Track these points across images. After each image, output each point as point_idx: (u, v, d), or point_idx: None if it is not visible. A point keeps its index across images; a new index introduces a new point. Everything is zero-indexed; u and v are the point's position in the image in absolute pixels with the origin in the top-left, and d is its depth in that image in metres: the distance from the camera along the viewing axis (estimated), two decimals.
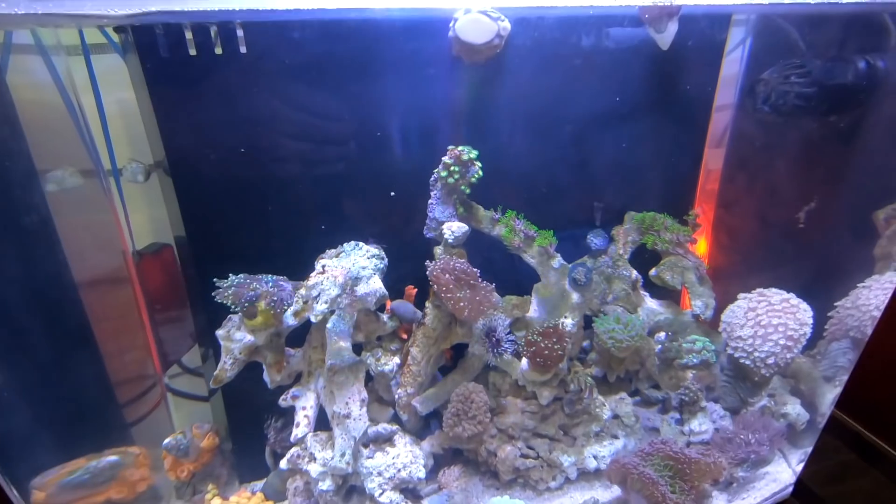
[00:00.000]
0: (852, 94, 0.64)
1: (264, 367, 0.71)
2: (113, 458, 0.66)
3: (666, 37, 0.54)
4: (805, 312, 0.75)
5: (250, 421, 0.79)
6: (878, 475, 1.02)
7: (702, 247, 0.90)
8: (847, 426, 1.11)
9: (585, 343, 0.80)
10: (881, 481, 0.95)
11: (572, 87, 0.71)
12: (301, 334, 0.73)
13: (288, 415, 0.78)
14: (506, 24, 0.56)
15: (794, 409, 0.79)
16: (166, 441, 0.73)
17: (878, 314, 0.75)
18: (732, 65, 0.84)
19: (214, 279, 0.63)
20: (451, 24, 0.57)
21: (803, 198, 0.78)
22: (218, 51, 0.60)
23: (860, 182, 0.76)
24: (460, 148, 0.67)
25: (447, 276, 0.64)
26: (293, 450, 0.71)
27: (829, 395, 0.81)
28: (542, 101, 0.71)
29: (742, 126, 0.83)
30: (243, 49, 0.60)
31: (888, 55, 0.63)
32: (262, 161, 0.67)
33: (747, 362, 0.76)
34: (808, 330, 0.75)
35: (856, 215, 0.78)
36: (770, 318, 0.74)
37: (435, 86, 0.67)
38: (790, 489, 0.81)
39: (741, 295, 0.80)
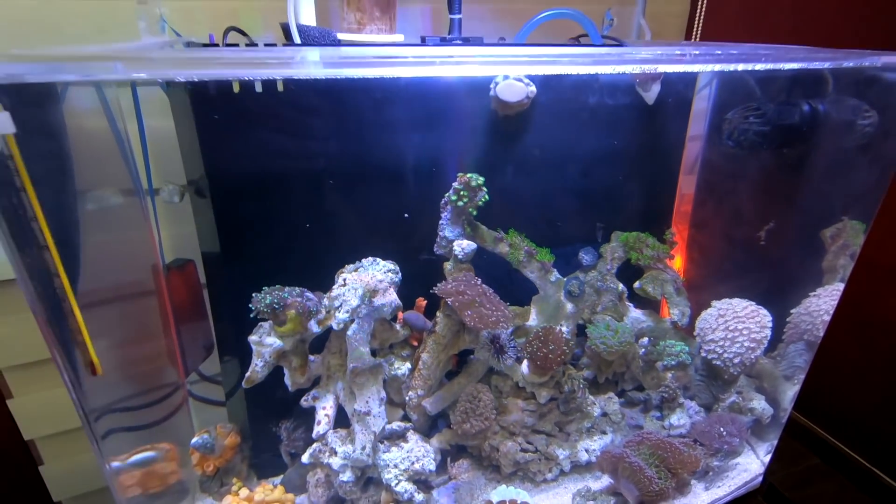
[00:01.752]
0: (799, 132, 0.76)
1: (286, 371, 0.78)
2: (152, 453, 0.71)
3: (651, 95, 0.66)
4: (765, 317, 0.86)
5: (268, 422, 0.85)
6: (843, 479, 1.14)
7: (678, 262, 1.01)
8: (813, 432, 1.23)
9: (577, 350, 0.89)
10: (846, 485, 1.05)
11: (576, 132, 0.85)
12: (315, 344, 0.80)
13: (299, 417, 0.85)
14: (532, 88, 0.72)
15: (759, 404, 0.89)
16: (194, 440, 0.78)
17: (827, 318, 0.86)
18: (701, 101, 0.96)
19: (253, 293, 0.70)
20: (491, 86, 0.72)
21: (763, 219, 0.90)
22: (258, 88, 0.68)
23: (809, 205, 0.88)
24: (469, 175, 0.76)
25: (465, 291, 0.73)
26: (314, 445, 0.77)
27: (790, 393, 0.91)
28: (551, 142, 0.84)
29: (710, 156, 0.95)
30: (280, 87, 0.68)
31: (827, 100, 0.75)
32: (291, 187, 0.74)
33: (718, 363, 0.86)
34: (768, 333, 0.86)
35: (806, 234, 0.90)
36: (736, 323, 0.85)
37: (468, 130, 0.79)
38: (759, 479, 0.91)
39: (713, 303, 0.90)
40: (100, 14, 0.88)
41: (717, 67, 0.50)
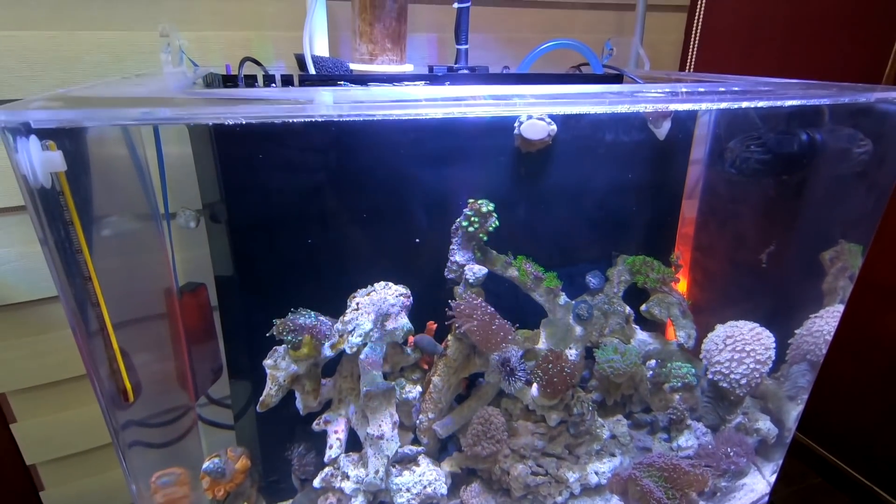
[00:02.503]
0: (798, 160, 0.79)
1: (298, 394, 0.78)
2: (165, 478, 0.71)
3: (662, 131, 0.69)
4: (769, 339, 0.88)
5: (278, 445, 0.85)
6: (844, 497, 1.14)
7: (682, 284, 1.03)
8: (814, 451, 1.24)
9: (586, 372, 0.90)
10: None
11: (591, 164, 0.88)
12: (325, 367, 0.80)
13: (309, 441, 0.85)
14: (553, 127, 0.76)
15: (764, 424, 0.90)
16: (206, 465, 0.77)
17: (829, 338, 0.88)
18: (701, 127, 0.99)
19: (273, 318, 0.71)
20: (516, 125, 0.76)
21: (764, 242, 0.92)
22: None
23: (808, 229, 0.91)
24: (480, 201, 0.78)
25: (475, 314, 0.74)
26: (326, 469, 0.77)
27: (794, 413, 0.93)
28: (568, 175, 0.87)
29: (712, 181, 0.98)
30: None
31: (823, 130, 0.78)
32: (305, 213, 0.76)
33: (725, 384, 0.87)
34: (772, 354, 0.88)
35: (806, 256, 0.92)
36: (742, 345, 0.86)
37: (490, 165, 0.82)
38: (766, 499, 0.92)
39: (718, 326, 0.92)
40: (118, 44, 0.90)
41: (723, 105, 0.52)
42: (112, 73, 0.92)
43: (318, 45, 0.90)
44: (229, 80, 0.75)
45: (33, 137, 0.34)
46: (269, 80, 0.78)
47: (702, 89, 0.53)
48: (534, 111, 0.68)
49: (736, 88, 0.56)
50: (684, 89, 0.53)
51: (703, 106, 0.71)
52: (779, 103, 0.55)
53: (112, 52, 0.91)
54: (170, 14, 0.94)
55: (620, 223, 0.93)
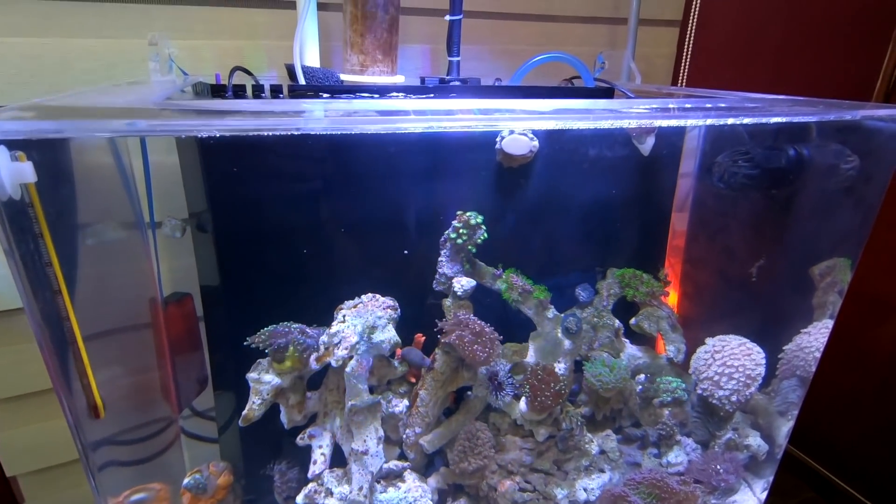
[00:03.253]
0: (786, 175, 0.79)
1: (283, 408, 0.77)
2: (142, 494, 0.70)
3: (646, 147, 0.69)
4: (759, 354, 0.87)
5: (262, 460, 0.83)
6: None
7: (672, 297, 1.03)
8: (806, 464, 1.23)
9: (575, 385, 0.90)
10: None
11: (581, 177, 0.88)
12: (311, 380, 0.79)
13: (293, 455, 0.83)
14: (535, 143, 0.75)
15: (755, 440, 0.90)
16: (186, 481, 0.76)
17: (818, 355, 0.88)
18: (691, 140, 1.00)
19: (256, 328, 0.70)
20: (497, 139, 0.75)
21: (754, 256, 0.92)
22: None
23: (798, 243, 0.91)
24: (468, 213, 0.77)
25: (463, 327, 0.73)
26: (309, 485, 0.76)
27: (784, 429, 0.92)
28: (553, 187, 0.87)
29: (702, 195, 0.98)
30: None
31: (811, 145, 0.79)
32: (293, 224, 0.75)
33: (713, 400, 0.86)
34: (762, 370, 0.87)
35: (796, 271, 0.92)
36: (732, 360, 0.86)
37: (472, 179, 0.82)
38: None
39: (707, 340, 0.92)
40: (109, 52, 0.90)
41: (710, 122, 0.52)
42: (103, 81, 0.92)
43: (310, 55, 0.90)
44: (218, 90, 0.75)
45: (2, 148, 0.33)
46: (257, 90, 0.77)
47: (688, 105, 0.53)
48: (517, 126, 0.68)
49: (722, 105, 0.56)
50: (672, 105, 0.53)
51: (689, 122, 0.71)
52: (763, 120, 0.55)
53: (104, 59, 0.91)
54: (163, 23, 0.93)
55: (610, 236, 0.93)
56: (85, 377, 0.43)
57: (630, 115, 0.49)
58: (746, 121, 0.53)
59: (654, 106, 0.52)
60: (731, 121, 0.52)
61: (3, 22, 0.84)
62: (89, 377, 0.44)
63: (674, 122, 0.62)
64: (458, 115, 0.48)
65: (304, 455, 0.78)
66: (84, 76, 0.91)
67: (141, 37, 0.92)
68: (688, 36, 1.35)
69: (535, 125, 0.69)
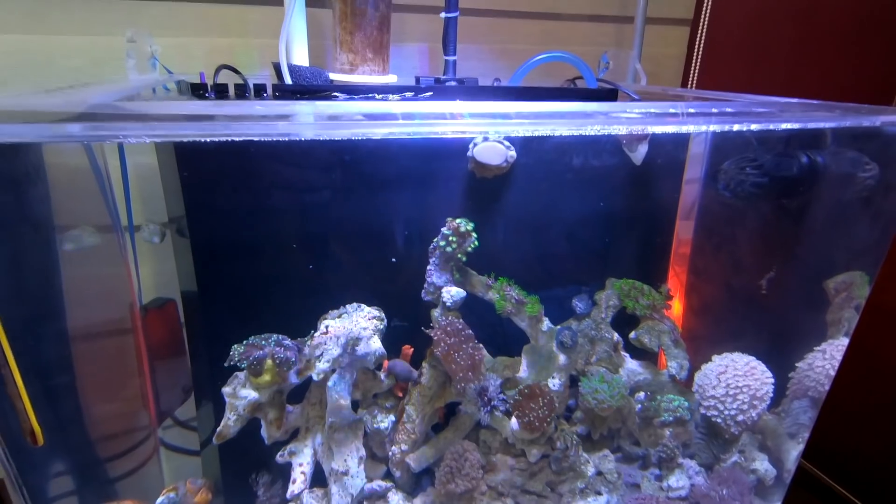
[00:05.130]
0: (798, 184, 0.74)
1: (262, 423, 0.74)
2: None
3: (637, 155, 0.64)
4: (765, 374, 0.82)
5: (243, 476, 0.80)
6: None
7: (676, 308, 0.98)
8: (820, 480, 1.18)
9: (571, 401, 0.85)
10: None
11: (580, 183, 0.84)
12: (294, 392, 0.76)
13: (274, 471, 0.80)
14: (513, 153, 0.69)
15: (762, 465, 0.85)
16: (160, 499, 0.73)
17: (832, 374, 0.82)
18: (698, 144, 0.95)
19: (233, 343, 0.67)
20: (470, 146, 0.69)
21: (764, 268, 0.87)
22: None
23: (811, 256, 0.86)
24: (458, 220, 0.73)
25: (450, 339, 0.69)
26: None
27: (794, 452, 0.87)
28: (555, 193, 0.83)
29: (708, 203, 0.93)
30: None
31: (825, 152, 0.74)
32: (274, 229, 0.72)
33: (719, 420, 0.82)
34: (769, 389, 0.82)
35: (809, 285, 0.87)
36: (737, 379, 0.81)
37: (446, 190, 0.78)
38: None
39: (714, 357, 0.87)
40: (95, 49, 0.88)
41: (713, 128, 0.48)
42: (89, 78, 0.89)
43: (298, 53, 0.87)
44: (198, 89, 0.72)
45: None
46: (240, 89, 0.74)
47: (691, 110, 0.48)
48: (501, 130, 0.63)
49: (728, 109, 0.51)
50: (671, 109, 0.49)
51: (691, 129, 0.67)
52: (772, 126, 0.50)
53: (90, 56, 0.88)
54: (151, 20, 0.91)
55: (610, 245, 0.88)
56: (19, 400, 0.40)
57: (620, 120, 0.45)
58: (754, 127, 0.49)
59: (652, 110, 0.48)
60: (736, 127, 0.47)
61: None
62: (24, 400, 0.41)
63: (672, 129, 0.58)
64: (431, 121, 0.44)
65: (290, 469, 0.74)
66: (70, 74, 0.88)
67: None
68: (698, 35, 1.30)
69: (511, 130, 0.65)
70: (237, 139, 0.38)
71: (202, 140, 0.37)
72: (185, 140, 0.36)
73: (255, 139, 0.41)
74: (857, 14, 0.97)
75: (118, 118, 0.35)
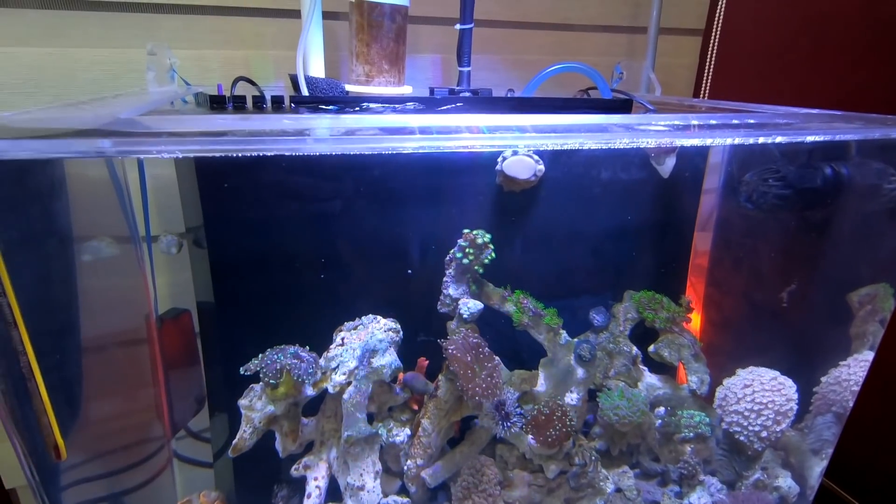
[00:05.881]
0: (822, 196, 0.73)
1: (278, 436, 0.73)
2: None
3: (665, 168, 0.64)
4: (790, 389, 0.80)
5: (257, 488, 0.79)
6: None
7: (696, 321, 0.97)
8: (843, 499, 1.15)
9: (589, 416, 0.84)
10: None
11: (599, 195, 0.83)
12: (310, 404, 0.75)
13: (294, 484, 0.79)
14: (541, 167, 0.70)
15: (785, 482, 0.82)
16: None
17: (857, 389, 0.80)
18: (716, 155, 0.94)
19: (249, 354, 0.66)
20: (499, 160, 0.69)
21: (785, 281, 0.85)
22: None
23: (834, 269, 0.84)
24: (475, 232, 0.73)
25: (467, 356, 0.68)
26: None
27: (817, 469, 0.84)
28: (569, 205, 0.82)
29: (727, 215, 0.92)
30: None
31: (850, 164, 0.72)
32: (291, 241, 0.72)
33: (741, 437, 0.80)
34: (794, 405, 0.80)
35: (832, 298, 0.85)
36: (762, 395, 0.79)
37: (469, 204, 0.78)
38: None
39: (739, 371, 0.85)
40: (115, 61, 0.89)
41: (737, 140, 0.47)
42: (108, 91, 0.90)
43: (314, 65, 0.88)
44: (217, 101, 0.72)
45: None
46: (258, 101, 0.74)
47: (713, 122, 0.48)
48: (526, 143, 0.63)
49: (751, 121, 0.50)
50: (695, 122, 0.48)
51: (715, 142, 0.66)
52: (799, 139, 0.49)
53: (109, 69, 0.90)
54: (168, 33, 0.92)
55: (628, 258, 0.87)
56: (44, 415, 0.40)
57: (650, 133, 0.44)
58: (780, 139, 0.48)
59: (677, 123, 0.48)
60: (761, 140, 0.47)
61: (8, 32, 0.83)
62: (49, 416, 0.40)
63: (698, 142, 0.57)
64: (452, 135, 0.43)
65: (305, 482, 0.73)
66: (89, 86, 0.89)
67: (146, 47, 0.90)
68: (711, 45, 1.29)
69: (540, 143, 0.64)
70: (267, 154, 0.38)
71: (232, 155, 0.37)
72: (214, 155, 0.36)
73: (286, 154, 0.41)
74: (870, 23, 0.96)
75: (148, 135, 0.35)
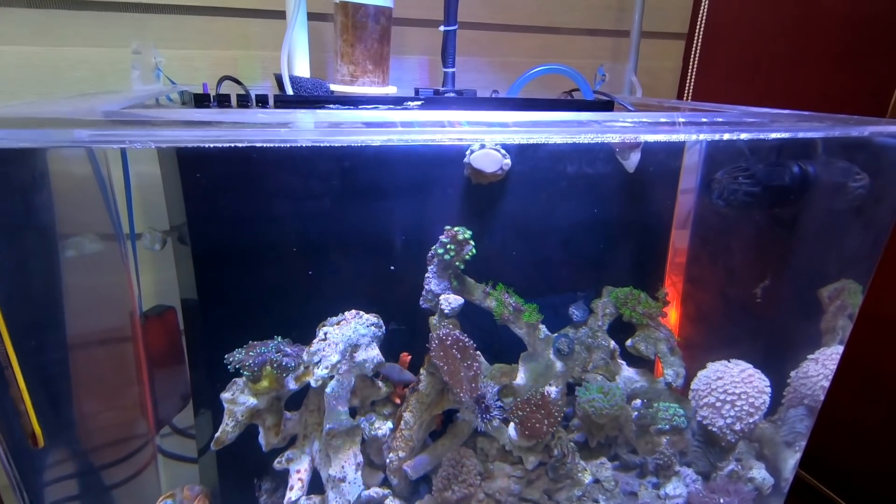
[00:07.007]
0: (790, 193, 0.75)
1: (261, 429, 0.74)
2: None
3: (630, 163, 0.66)
4: (762, 381, 0.83)
5: (241, 483, 0.80)
6: None
7: (673, 316, 0.99)
8: (820, 492, 1.17)
9: (568, 409, 0.85)
10: None
11: (576, 192, 0.85)
12: (293, 398, 0.76)
13: (277, 477, 0.80)
14: (508, 161, 0.71)
15: (759, 473, 0.85)
16: None
17: (827, 383, 0.83)
18: (693, 155, 0.96)
19: (233, 347, 0.67)
20: (466, 153, 0.70)
21: (758, 277, 0.88)
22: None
23: (804, 264, 0.87)
24: (456, 228, 0.74)
25: (451, 350, 0.70)
26: None
27: (791, 461, 0.87)
28: (552, 201, 0.83)
29: (703, 212, 0.94)
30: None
31: (816, 162, 0.75)
32: (275, 237, 0.73)
33: (714, 429, 0.82)
34: (766, 398, 0.82)
35: (804, 294, 0.88)
36: (734, 387, 0.81)
37: (444, 197, 0.79)
38: None
39: (709, 365, 0.87)
40: (102, 61, 0.89)
41: (703, 137, 0.49)
42: (94, 90, 0.91)
43: (300, 65, 0.89)
44: (201, 99, 0.73)
45: None
46: (243, 99, 0.76)
47: (681, 119, 0.50)
48: (496, 138, 0.65)
49: (719, 119, 0.52)
50: (662, 119, 0.50)
51: (681, 138, 0.68)
52: (763, 135, 0.51)
53: (96, 68, 0.90)
54: (156, 32, 0.93)
55: (606, 253, 0.89)
56: (21, 403, 0.41)
57: (612, 129, 0.46)
58: (743, 136, 0.50)
59: (645, 119, 0.49)
60: (726, 136, 0.49)
61: None
62: (27, 403, 0.41)
63: (663, 137, 0.59)
64: (429, 128, 0.45)
65: (288, 476, 0.74)
66: (76, 85, 0.90)
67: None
68: (694, 49, 1.32)
69: (508, 139, 0.66)
70: (240, 146, 0.39)
71: (206, 146, 0.38)
72: (190, 146, 0.37)
73: (258, 145, 0.42)
74: (851, 27, 0.99)
75: (126, 124, 0.36)
